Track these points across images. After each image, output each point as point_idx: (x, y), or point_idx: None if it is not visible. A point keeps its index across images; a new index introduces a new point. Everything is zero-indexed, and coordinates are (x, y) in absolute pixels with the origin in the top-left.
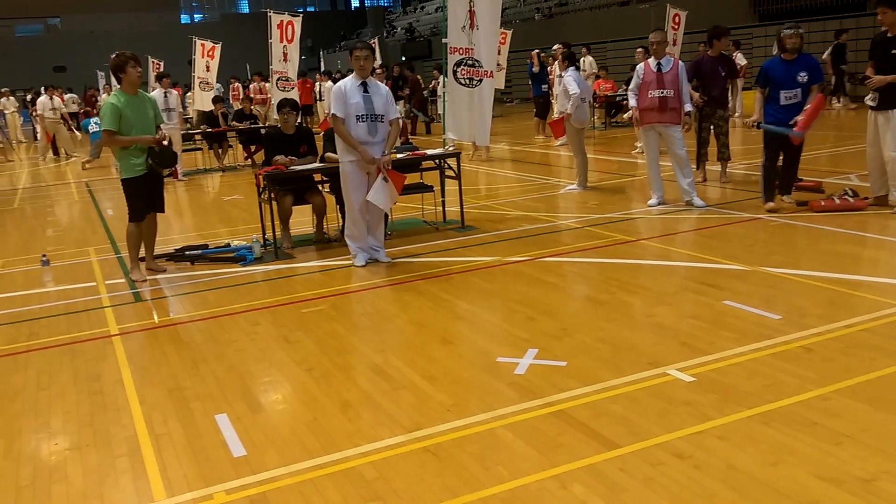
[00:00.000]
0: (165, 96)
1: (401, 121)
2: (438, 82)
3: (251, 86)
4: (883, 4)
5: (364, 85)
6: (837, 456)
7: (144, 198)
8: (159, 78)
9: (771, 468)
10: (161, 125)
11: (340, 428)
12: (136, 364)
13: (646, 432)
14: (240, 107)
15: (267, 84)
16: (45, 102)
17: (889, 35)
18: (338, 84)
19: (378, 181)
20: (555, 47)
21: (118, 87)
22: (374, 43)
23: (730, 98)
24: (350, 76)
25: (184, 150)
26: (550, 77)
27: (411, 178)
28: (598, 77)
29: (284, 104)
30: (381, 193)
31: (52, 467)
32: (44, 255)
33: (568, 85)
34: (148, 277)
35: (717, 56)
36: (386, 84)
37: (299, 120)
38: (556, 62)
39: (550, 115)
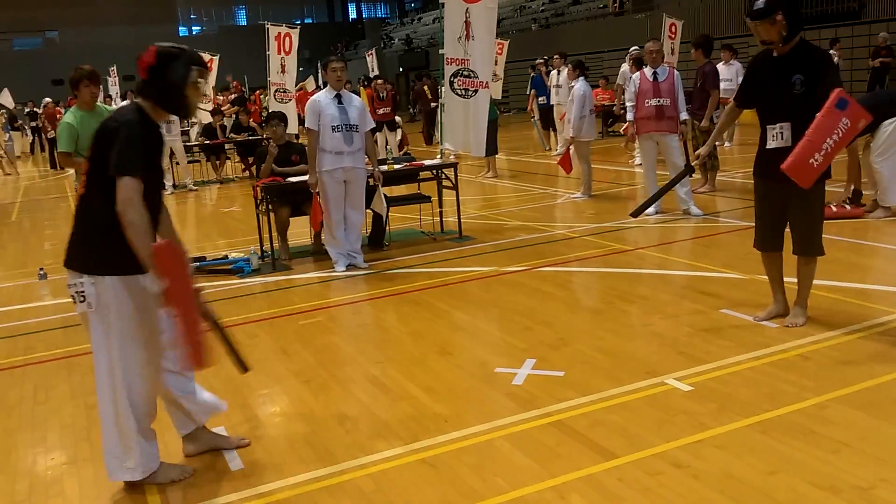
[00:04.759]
0: None
1: (399, 131)
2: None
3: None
4: None
5: (338, 97)
6: (835, 464)
7: None
8: None
9: (769, 477)
10: None
11: (338, 440)
12: None
13: (644, 442)
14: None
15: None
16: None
17: None
18: (312, 98)
19: (378, 193)
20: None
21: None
22: (371, 54)
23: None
24: (324, 90)
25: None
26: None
27: (409, 189)
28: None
29: (272, 117)
30: (381, 201)
31: (49, 482)
32: (41, 269)
33: (577, 103)
34: None
35: (702, 65)
36: (389, 94)
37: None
38: (567, 70)
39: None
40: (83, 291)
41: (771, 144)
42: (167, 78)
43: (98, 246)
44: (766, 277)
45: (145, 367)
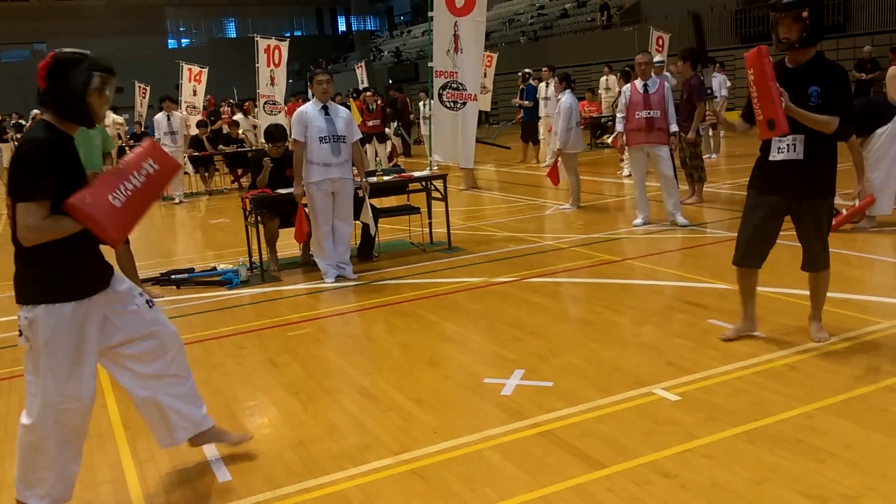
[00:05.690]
0: (168, 119)
1: (389, 143)
2: (424, 104)
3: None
4: None
5: (325, 108)
6: (822, 473)
7: None
8: (161, 100)
9: (756, 486)
10: (111, 152)
11: (326, 451)
12: (120, 389)
13: (632, 452)
14: (226, 131)
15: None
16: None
17: None
18: (299, 109)
19: (365, 204)
20: (543, 69)
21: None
22: (361, 66)
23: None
24: (311, 101)
25: None
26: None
27: (399, 200)
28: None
29: (279, 137)
30: (368, 213)
31: None
32: None
33: (564, 115)
34: None
35: (689, 78)
36: (379, 106)
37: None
38: (553, 83)
39: (539, 152)
40: (20, 324)
41: (777, 156)
42: (67, 85)
43: (26, 275)
44: (740, 292)
45: (64, 398)
